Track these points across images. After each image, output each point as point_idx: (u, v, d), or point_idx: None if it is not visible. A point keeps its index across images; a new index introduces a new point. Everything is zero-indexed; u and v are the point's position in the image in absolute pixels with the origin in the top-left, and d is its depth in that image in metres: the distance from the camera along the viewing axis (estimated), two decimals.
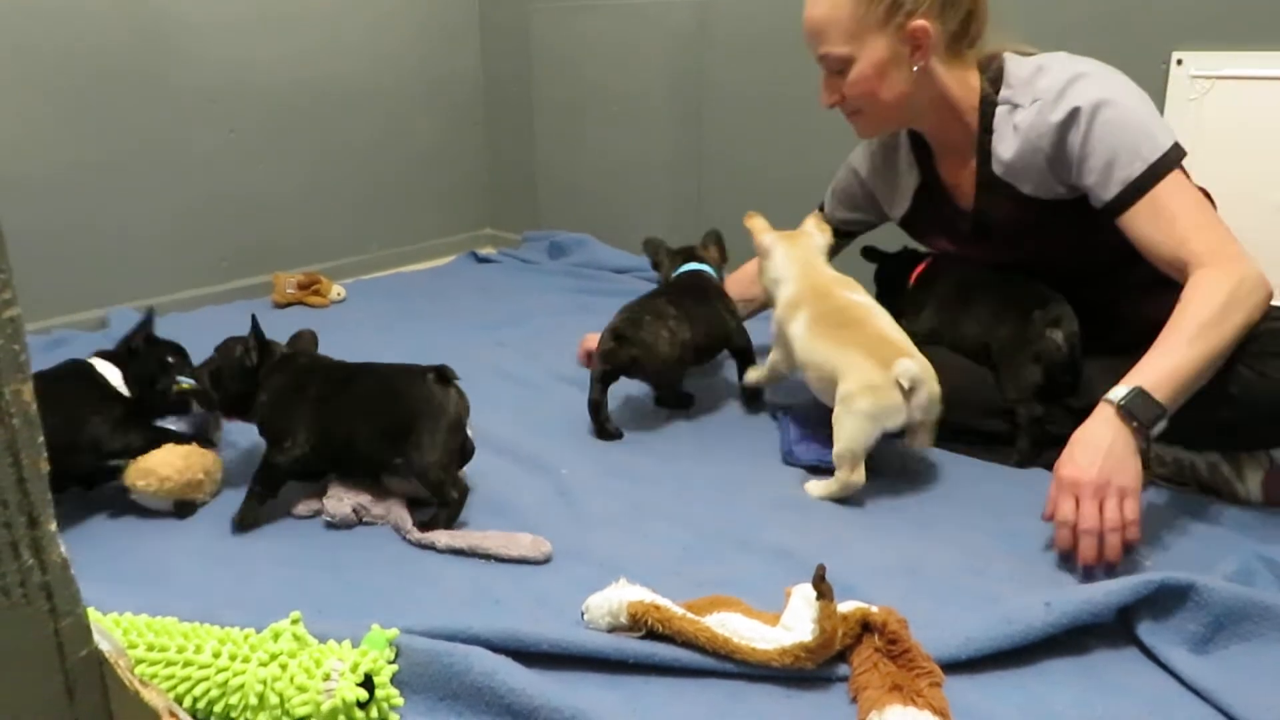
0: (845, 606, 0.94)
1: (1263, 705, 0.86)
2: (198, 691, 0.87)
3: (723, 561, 1.15)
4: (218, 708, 0.87)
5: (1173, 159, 1.20)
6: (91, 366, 1.37)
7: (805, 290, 1.42)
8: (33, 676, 0.57)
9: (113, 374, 1.37)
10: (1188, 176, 1.22)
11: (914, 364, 1.25)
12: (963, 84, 1.34)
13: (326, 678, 0.84)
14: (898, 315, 1.39)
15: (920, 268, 1.60)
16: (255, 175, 2.42)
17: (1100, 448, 1.07)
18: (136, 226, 2.22)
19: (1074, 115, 1.23)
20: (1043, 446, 1.36)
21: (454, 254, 2.86)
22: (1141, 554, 1.14)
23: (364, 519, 1.26)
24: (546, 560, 1.16)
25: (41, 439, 0.54)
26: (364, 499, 1.27)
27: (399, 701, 0.87)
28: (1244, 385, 1.19)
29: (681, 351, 1.50)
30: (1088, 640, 0.97)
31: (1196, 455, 1.29)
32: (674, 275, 1.69)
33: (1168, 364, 1.08)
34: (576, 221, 2.77)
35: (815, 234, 1.53)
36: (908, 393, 1.24)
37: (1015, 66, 1.32)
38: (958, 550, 1.12)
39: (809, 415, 1.51)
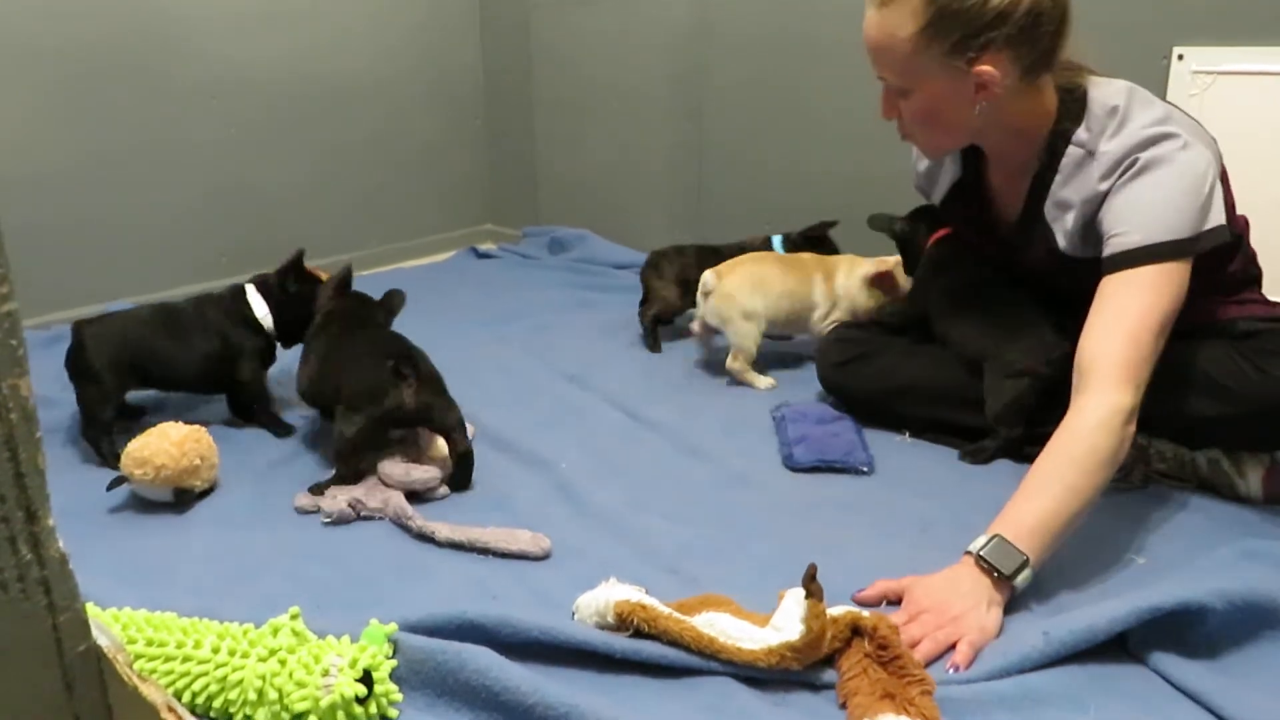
0: (836, 610, 0.94)
1: (1258, 707, 0.86)
2: (197, 687, 0.87)
3: (720, 560, 1.15)
4: (217, 703, 0.87)
5: (1177, 250, 1.11)
6: (244, 296, 1.49)
7: None
8: (31, 671, 0.57)
9: (260, 306, 1.48)
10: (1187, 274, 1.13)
11: (711, 275, 1.71)
12: (1035, 111, 1.23)
13: (325, 673, 0.84)
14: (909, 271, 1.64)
15: (939, 234, 1.56)
16: (255, 171, 2.42)
17: (957, 591, 1.00)
18: (136, 222, 2.21)
19: (1123, 172, 1.16)
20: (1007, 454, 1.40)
21: (454, 250, 2.86)
22: (1135, 552, 1.14)
23: (361, 513, 1.26)
24: (545, 556, 1.16)
25: (39, 434, 0.53)
26: (358, 493, 1.27)
27: (398, 697, 0.87)
28: (1245, 382, 1.20)
29: None
30: None
31: (1197, 452, 1.29)
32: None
33: (1030, 510, 1.04)
34: (577, 217, 2.77)
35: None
36: (705, 295, 1.72)
37: (1097, 103, 1.20)
38: (956, 553, 1.10)
39: (807, 414, 1.52)
